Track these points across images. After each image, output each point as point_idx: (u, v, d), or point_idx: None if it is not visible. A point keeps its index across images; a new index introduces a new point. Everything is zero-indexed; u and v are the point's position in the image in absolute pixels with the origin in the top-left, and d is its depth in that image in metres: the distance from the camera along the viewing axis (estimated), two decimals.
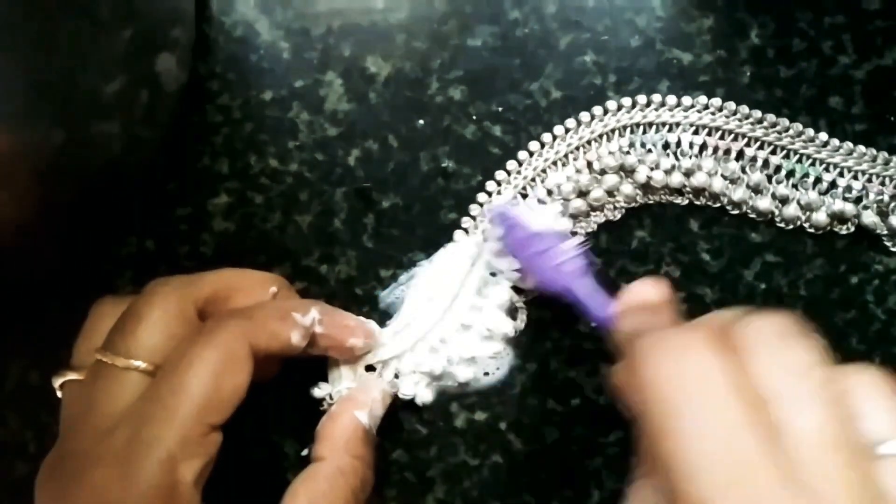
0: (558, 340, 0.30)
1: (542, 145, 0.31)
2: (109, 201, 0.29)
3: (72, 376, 0.25)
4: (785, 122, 0.31)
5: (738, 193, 0.30)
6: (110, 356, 0.24)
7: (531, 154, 0.31)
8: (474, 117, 0.32)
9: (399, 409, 0.29)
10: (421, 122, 0.32)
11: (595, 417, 0.29)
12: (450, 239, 0.31)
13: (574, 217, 0.30)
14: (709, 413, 0.19)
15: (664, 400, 0.19)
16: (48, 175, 0.25)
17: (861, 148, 0.30)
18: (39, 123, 0.23)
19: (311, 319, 0.26)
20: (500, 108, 0.32)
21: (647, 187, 0.30)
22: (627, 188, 0.30)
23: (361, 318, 0.28)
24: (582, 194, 0.30)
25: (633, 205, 0.30)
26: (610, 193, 0.30)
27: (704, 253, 0.31)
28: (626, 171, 0.30)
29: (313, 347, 0.27)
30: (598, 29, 0.32)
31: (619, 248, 0.31)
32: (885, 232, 0.30)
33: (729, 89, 0.32)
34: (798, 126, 0.31)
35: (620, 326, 0.24)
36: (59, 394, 0.26)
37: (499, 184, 0.30)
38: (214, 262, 0.31)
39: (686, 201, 0.30)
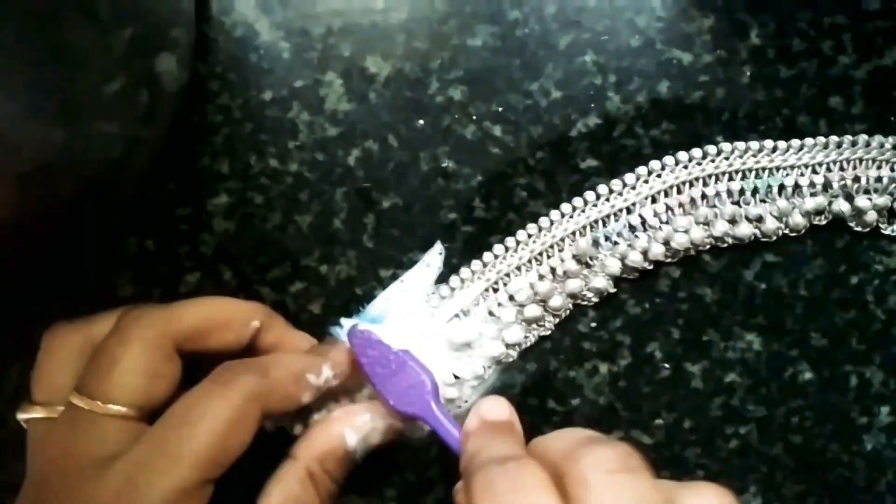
0: (558, 340, 0.30)
1: (507, 249, 0.30)
2: (109, 201, 0.29)
3: (39, 413, 0.25)
4: (727, 146, 0.31)
5: (718, 229, 0.30)
6: (87, 401, 0.23)
7: (495, 257, 0.30)
8: (474, 117, 0.32)
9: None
10: (421, 122, 0.32)
11: (595, 417, 0.29)
12: (451, 239, 0.31)
13: (529, 323, 0.30)
14: None
15: None
16: (48, 175, 0.25)
17: (808, 140, 0.31)
18: (39, 123, 0.23)
19: (324, 379, 0.26)
20: (500, 108, 0.32)
21: (628, 269, 0.30)
22: (600, 282, 0.30)
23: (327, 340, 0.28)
24: (542, 301, 0.30)
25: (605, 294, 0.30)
26: (573, 296, 0.30)
27: (704, 253, 0.31)
28: (598, 268, 0.30)
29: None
30: (598, 29, 0.32)
31: None
32: (852, 213, 0.30)
33: (729, 89, 0.32)
34: (741, 144, 0.31)
35: (464, 449, 0.23)
36: (23, 424, 0.25)
37: (462, 281, 0.30)
38: (214, 262, 0.31)
39: (674, 260, 0.30)
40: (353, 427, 0.26)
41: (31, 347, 0.30)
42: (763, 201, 0.30)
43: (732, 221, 0.30)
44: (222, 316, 0.26)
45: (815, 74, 0.32)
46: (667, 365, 0.30)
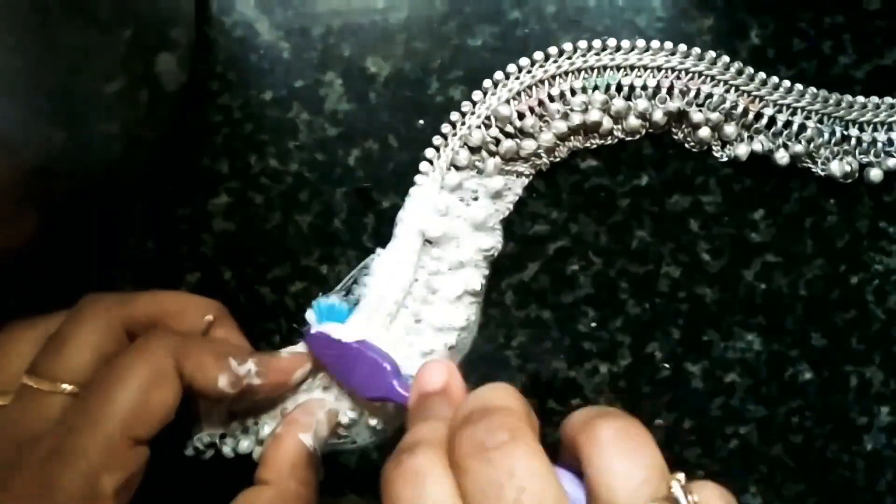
0: (558, 340, 0.30)
1: (496, 84, 0.30)
2: (109, 201, 0.29)
3: None
4: (569, 45, 0.31)
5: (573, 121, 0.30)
6: (35, 379, 0.24)
7: (477, 100, 0.30)
8: None
9: (399, 408, 0.29)
10: (421, 122, 0.32)
11: None
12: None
13: (503, 170, 0.30)
14: None
15: None
16: (48, 175, 0.25)
17: (654, 43, 0.31)
18: (39, 123, 0.23)
19: (245, 370, 0.26)
20: None
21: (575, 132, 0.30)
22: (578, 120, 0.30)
23: (289, 348, 0.28)
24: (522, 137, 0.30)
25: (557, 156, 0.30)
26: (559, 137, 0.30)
27: (704, 253, 0.31)
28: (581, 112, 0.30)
29: (250, 395, 0.26)
30: (598, 29, 0.32)
31: (619, 247, 0.31)
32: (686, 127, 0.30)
33: None
34: (583, 43, 0.31)
35: (409, 419, 0.23)
36: None
37: (449, 131, 0.30)
38: (214, 262, 0.31)
39: (615, 140, 0.31)
40: (303, 430, 0.26)
41: None
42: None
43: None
44: (177, 306, 0.26)
45: (815, 74, 0.32)
46: (667, 365, 0.30)
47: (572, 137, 0.30)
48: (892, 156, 0.31)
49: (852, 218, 0.31)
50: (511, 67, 0.30)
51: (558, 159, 0.31)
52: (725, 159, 0.30)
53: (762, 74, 0.31)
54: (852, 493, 0.29)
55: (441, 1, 0.33)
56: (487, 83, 0.30)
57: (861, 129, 0.31)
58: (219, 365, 0.25)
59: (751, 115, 0.30)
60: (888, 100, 0.31)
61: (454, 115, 0.30)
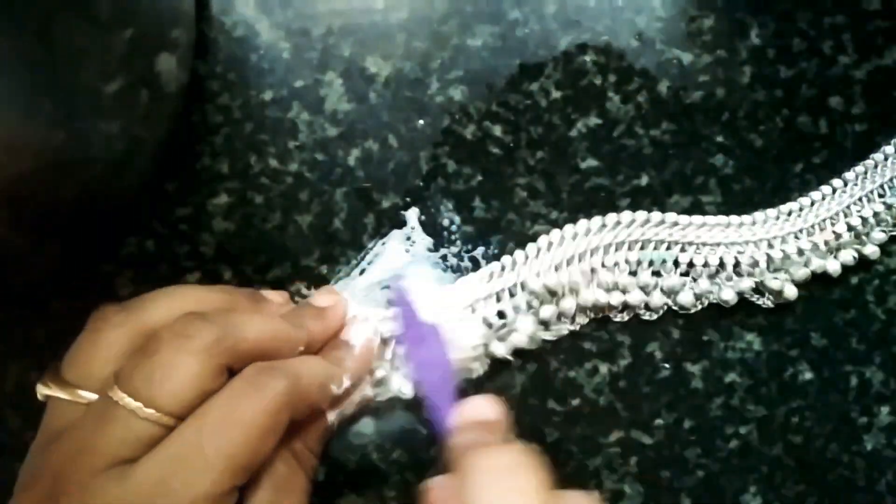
0: (558, 341, 0.30)
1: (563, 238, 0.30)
2: (109, 201, 0.29)
3: (64, 395, 0.24)
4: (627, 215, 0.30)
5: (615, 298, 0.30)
6: (129, 400, 0.22)
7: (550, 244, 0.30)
8: (474, 117, 0.32)
9: (399, 409, 0.29)
10: (421, 122, 0.32)
11: (595, 417, 0.29)
12: (451, 240, 0.31)
13: (543, 323, 0.30)
14: None
15: None
16: (48, 175, 0.25)
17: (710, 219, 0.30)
18: (39, 124, 0.23)
19: (343, 390, 0.26)
20: (500, 108, 0.32)
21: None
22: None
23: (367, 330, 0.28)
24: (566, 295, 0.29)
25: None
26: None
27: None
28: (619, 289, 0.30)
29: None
30: (598, 29, 0.32)
31: None
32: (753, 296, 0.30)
33: (729, 89, 0.32)
34: (641, 214, 0.30)
35: (455, 440, 0.23)
36: (41, 398, 0.24)
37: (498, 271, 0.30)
38: (214, 262, 0.31)
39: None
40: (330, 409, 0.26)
41: (32, 347, 0.30)
42: (657, 273, 0.30)
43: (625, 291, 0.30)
44: (278, 341, 0.25)
45: (815, 74, 0.32)
46: (667, 365, 0.30)
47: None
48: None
49: None
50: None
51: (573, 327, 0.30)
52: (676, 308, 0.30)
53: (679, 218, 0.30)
54: (852, 493, 0.29)
55: (441, 1, 0.33)
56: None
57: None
58: (324, 396, 0.25)
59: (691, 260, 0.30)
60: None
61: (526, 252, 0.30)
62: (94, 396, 0.24)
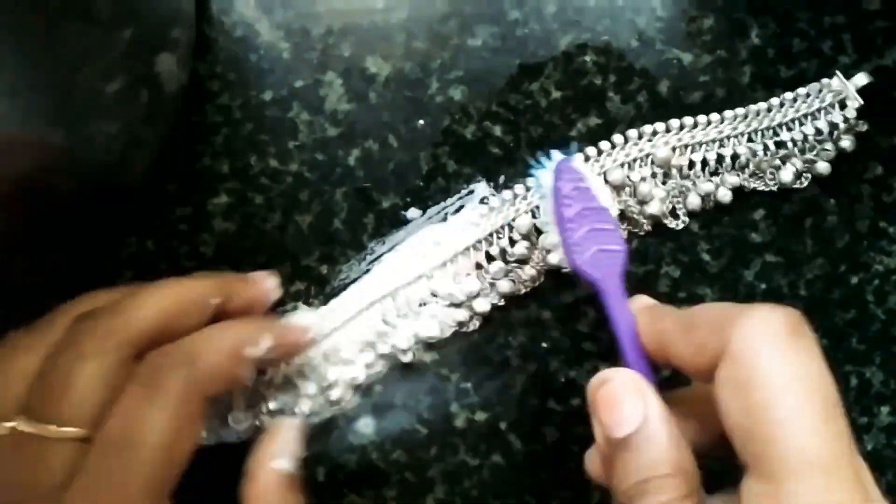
0: (558, 340, 0.30)
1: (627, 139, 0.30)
2: (109, 201, 0.29)
3: None
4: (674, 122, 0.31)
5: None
6: (38, 426, 0.21)
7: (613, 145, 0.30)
8: (474, 117, 0.32)
9: (399, 409, 0.29)
10: (421, 122, 0.32)
11: None
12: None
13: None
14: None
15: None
16: (48, 175, 0.25)
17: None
18: (39, 123, 0.23)
19: (264, 349, 0.24)
20: (500, 108, 0.32)
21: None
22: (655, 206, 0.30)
23: (296, 313, 0.28)
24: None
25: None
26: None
27: (704, 253, 0.31)
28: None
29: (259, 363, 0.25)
30: (598, 29, 0.32)
31: None
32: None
33: (729, 89, 0.32)
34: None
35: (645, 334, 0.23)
36: None
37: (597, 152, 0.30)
38: (214, 262, 0.31)
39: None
40: (276, 458, 0.24)
41: None
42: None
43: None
44: (178, 307, 0.24)
45: (815, 74, 0.32)
46: None
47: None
48: (826, 146, 0.31)
49: (852, 218, 0.31)
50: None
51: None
52: (681, 226, 0.31)
53: (668, 124, 0.31)
54: None
55: (441, 1, 0.33)
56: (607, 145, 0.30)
57: (789, 129, 0.31)
58: (237, 363, 0.23)
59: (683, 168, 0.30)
60: (788, 95, 0.31)
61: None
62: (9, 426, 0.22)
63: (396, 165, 0.31)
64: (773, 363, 0.19)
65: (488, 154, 0.31)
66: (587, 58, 0.32)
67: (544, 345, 0.30)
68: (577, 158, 0.27)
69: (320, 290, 0.30)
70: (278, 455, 0.24)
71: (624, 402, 0.21)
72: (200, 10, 0.32)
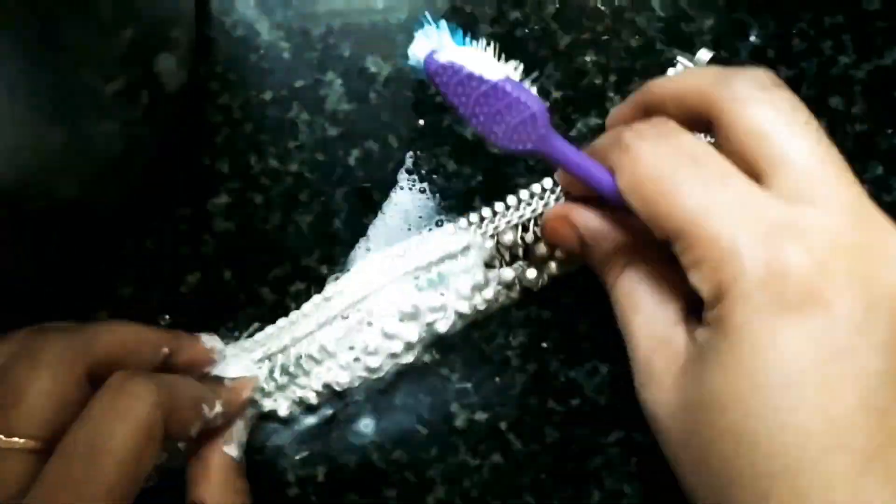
0: (558, 340, 0.30)
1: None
2: (109, 201, 0.29)
3: None
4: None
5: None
6: None
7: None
8: None
9: (399, 409, 0.29)
10: (421, 122, 0.32)
11: (595, 417, 0.29)
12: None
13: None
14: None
15: None
16: (48, 175, 0.25)
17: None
18: (39, 123, 0.23)
19: (214, 415, 0.25)
20: None
21: None
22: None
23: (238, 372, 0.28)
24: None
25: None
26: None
27: None
28: None
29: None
30: (598, 29, 0.32)
31: None
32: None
33: None
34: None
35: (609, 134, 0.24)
36: None
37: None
38: (214, 262, 0.31)
39: None
40: (225, 441, 0.26)
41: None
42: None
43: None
44: (134, 342, 0.25)
45: (815, 74, 0.32)
46: None
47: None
48: None
49: None
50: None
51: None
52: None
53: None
54: None
55: (441, 1, 0.33)
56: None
57: None
58: (195, 414, 0.24)
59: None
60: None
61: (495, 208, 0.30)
62: None
63: (396, 165, 0.31)
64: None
65: (488, 154, 0.31)
66: (587, 58, 0.32)
67: (544, 345, 0.30)
68: (445, 39, 0.24)
69: (320, 290, 0.30)
70: (228, 439, 0.26)
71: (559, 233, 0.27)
72: (200, 10, 0.32)
